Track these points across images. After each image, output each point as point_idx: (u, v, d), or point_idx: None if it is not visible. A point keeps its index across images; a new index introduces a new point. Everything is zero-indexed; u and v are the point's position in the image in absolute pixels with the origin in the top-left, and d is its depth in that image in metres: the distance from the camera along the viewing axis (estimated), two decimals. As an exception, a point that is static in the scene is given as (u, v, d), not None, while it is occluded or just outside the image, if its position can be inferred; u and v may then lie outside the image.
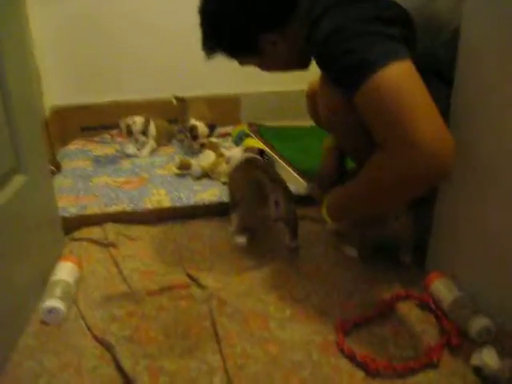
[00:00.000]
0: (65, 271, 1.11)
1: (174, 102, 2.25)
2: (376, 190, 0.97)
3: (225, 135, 2.30)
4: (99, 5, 2.21)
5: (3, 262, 0.94)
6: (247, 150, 1.52)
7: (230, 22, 1.10)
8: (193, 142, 2.01)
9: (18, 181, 1.04)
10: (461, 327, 0.94)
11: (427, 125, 0.83)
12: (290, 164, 1.82)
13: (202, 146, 1.94)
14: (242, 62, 1.22)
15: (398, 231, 1.14)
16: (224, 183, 1.69)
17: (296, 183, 1.66)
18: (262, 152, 1.58)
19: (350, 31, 0.91)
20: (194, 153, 1.98)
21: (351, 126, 1.05)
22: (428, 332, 0.96)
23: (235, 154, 1.51)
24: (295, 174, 1.69)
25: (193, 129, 1.99)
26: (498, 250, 0.94)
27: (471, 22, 0.92)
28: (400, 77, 0.86)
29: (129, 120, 2.04)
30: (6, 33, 1.01)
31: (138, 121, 2.04)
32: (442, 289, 1.02)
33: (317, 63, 1.07)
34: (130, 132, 2.03)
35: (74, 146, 2.21)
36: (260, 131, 2.28)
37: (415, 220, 1.14)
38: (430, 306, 1.02)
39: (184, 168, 1.78)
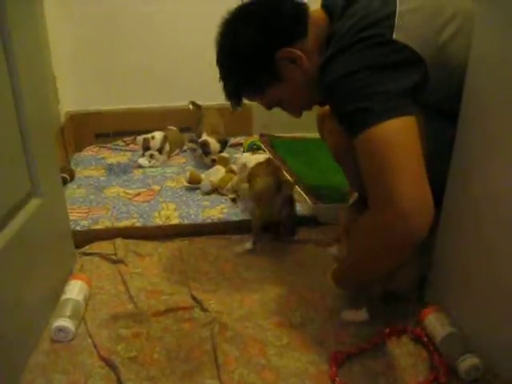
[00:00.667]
0: (75, 290, 1.17)
1: (191, 107, 2.29)
2: (364, 251, 1.03)
3: (236, 145, 2.35)
4: (117, 11, 2.26)
5: (16, 281, 0.99)
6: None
7: (247, 42, 1.10)
8: (204, 157, 2.06)
9: (33, 204, 1.09)
10: (451, 364, 0.97)
11: (407, 186, 0.86)
12: (299, 179, 1.86)
13: (213, 161, 1.99)
14: (266, 99, 1.20)
15: (402, 283, 1.15)
16: (232, 200, 1.74)
17: (302, 202, 1.70)
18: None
19: (357, 81, 0.94)
20: (205, 167, 2.02)
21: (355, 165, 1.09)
22: (418, 367, 1.00)
23: (249, 157, 1.63)
24: (302, 193, 1.72)
25: (205, 144, 2.04)
26: (491, 291, 0.96)
27: (477, 70, 0.95)
28: (394, 134, 0.89)
29: (148, 135, 2.09)
30: (23, 39, 1.04)
31: (157, 137, 2.09)
32: (435, 324, 1.05)
33: (325, 99, 1.10)
34: (147, 147, 2.08)
35: (88, 153, 2.27)
36: (271, 142, 2.33)
37: (418, 264, 1.16)
38: (422, 340, 1.05)
39: (194, 182, 1.83)
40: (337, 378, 0.95)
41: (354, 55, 0.98)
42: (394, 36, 0.96)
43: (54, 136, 1.97)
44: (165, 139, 2.13)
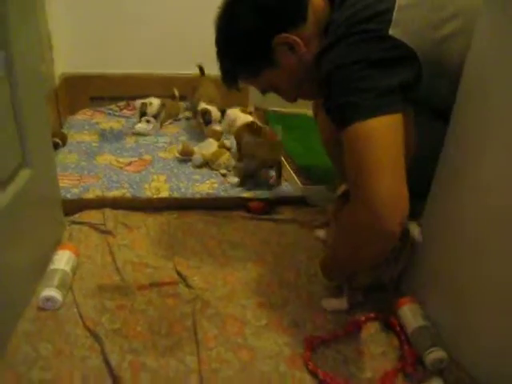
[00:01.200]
0: (63, 260, 1.20)
1: (198, 70, 2.25)
2: (346, 244, 1.06)
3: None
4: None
5: (4, 248, 1.01)
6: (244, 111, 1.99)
7: (245, 23, 1.09)
8: (205, 126, 1.99)
9: (23, 175, 1.10)
10: (419, 355, 1.03)
11: (382, 186, 0.88)
12: (291, 158, 1.88)
13: (214, 132, 1.95)
14: (261, 82, 1.19)
15: (385, 275, 1.19)
16: (223, 175, 1.75)
17: (291, 182, 1.72)
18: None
19: (349, 74, 0.95)
20: (200, 138, 1.99)
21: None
22: (388, 356, 1.05)
23: (238, 114, 1.85)
24: (292, 173, 1.74)
25: (206, 113, 1.97)
26: (460, 286, 1.01)
27: (474, 69, 0.95)
28: (377, 132, 0.90)
29: (146, 100, 2.08)
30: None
31: (154, 103, 2.08)
32: (408, 315, 1.10)
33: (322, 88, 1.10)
34: (143, 112, 2.07)
35: (82, 116, 2.26)
36: (267, 117, 2.32)
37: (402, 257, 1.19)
38: (395, 329, 1.10)
39: (186, 154, 1.83)
40: (310, 362, 1.00)
41: (349, 47, 0.97)
42: (391, 31, 0.95)
43: (48, 98, 1.96)
44: (162, 106, 2.12)
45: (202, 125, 2.03)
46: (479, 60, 0.94)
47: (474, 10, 1.01)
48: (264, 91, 1.23)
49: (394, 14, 0.97)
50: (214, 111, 1.98)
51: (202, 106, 2.02)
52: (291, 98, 1.23)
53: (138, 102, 2.12)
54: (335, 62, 0.98)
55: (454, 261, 1.03)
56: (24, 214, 1.11)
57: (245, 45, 1.11)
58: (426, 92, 1.01)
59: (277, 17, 1.08)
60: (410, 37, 0.96)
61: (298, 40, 1.07)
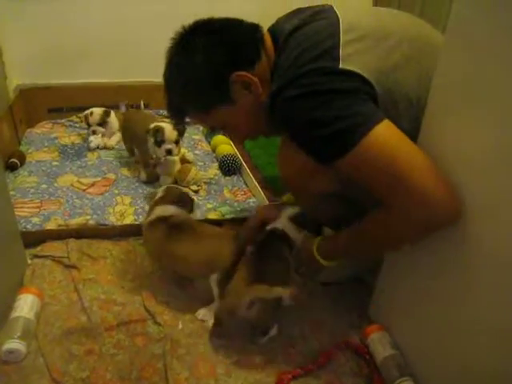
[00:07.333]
0: (26, 306, 1.15)
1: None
2: (380, 244, 1.05)
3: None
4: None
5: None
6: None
7: (202, 57, 1.04)
8: (157, 147, 1.69)
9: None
10: (388, 384, 1.04)
11: (428, 176, 0.86)
12: (256, 169, 1.86)
13: (169, 152, 1.69)
14: (211, 120, 1.16)
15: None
16: (195, 191, 1.72)
17: (258, 197, 1.70)
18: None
19: (320, 105, 0.93)
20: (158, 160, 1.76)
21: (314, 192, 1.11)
22: (359, 386, 1.07)
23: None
24: (257, 186, 1.72)
25: (158, 131, 1.67)
26: (428, 314, 1.02)
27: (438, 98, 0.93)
28: (388, 135, 0.91)
29: (87, 111, 2.05)
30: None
31: (95, 112, 2.05)
32: (377, 344, 1.11)
33: (279, 129, 1.08)
34: (88, 124, 2.05)
35: (41, 130, 2.18)
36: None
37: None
38: (364, 357, 1.12)
39: (151, 181, 1.79)
40: (281, 402, 1.01)
41: (307, 86, 0.95)
42: (341, 66, 0.94)
43: (2, 115, 1.88)
44: (105, 114, 2.07)
45: (153, 146, 1.71)
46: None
47: (417, 36, 1.04)
48: (212, 129, 1.20)
49: (341, 50, 0.95)
50: (168, 129, 1.68)
51: (155, 123, 1.73)
52: (240, 138, 1.21)
53: (83, 114, 2.10)
54: (297, 104, 0.96)
55: (420, 286, 1.04)
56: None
57: (201, 79, 1.06)
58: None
59: (236, 54, 1.05)
60: (359, 69, 0.95)
61: (255, 79, 1.04)
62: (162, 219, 1.29)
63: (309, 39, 0.99)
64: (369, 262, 1.32)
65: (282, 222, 1.23)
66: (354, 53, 0.96)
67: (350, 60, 0.94)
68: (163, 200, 1.34)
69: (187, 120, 1.20)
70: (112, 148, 2.05)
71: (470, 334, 0.90)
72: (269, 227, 1.23)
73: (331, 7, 1.07)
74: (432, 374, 1.02)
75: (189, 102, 1.12)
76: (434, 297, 0.99)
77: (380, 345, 1.11)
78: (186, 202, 1.37)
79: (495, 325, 0.83)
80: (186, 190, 1.65)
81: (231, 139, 1.22)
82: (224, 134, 2.01)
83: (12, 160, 1.82)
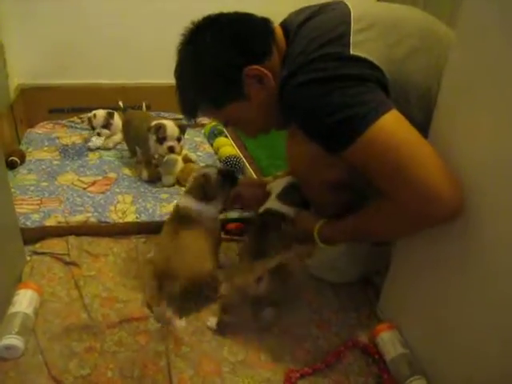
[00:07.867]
0: (24, 301, 1.12)
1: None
2: (382, 232, 1.04)
3: (198, 126, 2.27)
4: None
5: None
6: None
7: (215, 52, 1.04)
8: (159, 145, 1.68)
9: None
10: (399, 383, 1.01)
11: (433, 168, 0.86)
12: (260, 171, 1.84)
13: (171, 149, 1.68)
14: (223, 115, 1.15)
15: None
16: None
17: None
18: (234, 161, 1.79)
19: (328, 91, 0.92)
20: (161, 159, 1.75)
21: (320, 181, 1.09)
22: (368, 385, 1.04)
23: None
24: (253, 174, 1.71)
25: (160, 128, 1.67)
26: (438, 313, 0.99)
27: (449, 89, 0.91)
28: (396, 124, 0.90)
29: (90, 113, 2.04)
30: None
31: (98, 114, 2.03)
32: (386, 342, 1.08)
33: (288, 118, 1.06)
34: (92, 127, 2.03)
35: (41, 130, 2.16)
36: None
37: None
38: (373, 357, 1.08)
39: (153, 179, 1.76)
40: (289, 400, 0.97)
41: (316, 71, 0.94)
42: (352, 52, 0.93)
43: (3, 113, 1.86)
44: (109, 116, 2.05)
45: (155, 143, 1.70)
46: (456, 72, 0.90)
47: (426, 28, 1.03)
48: (226, 124, 1.19)
49: (351, 37, 0.95)
50: (170, 126, 1.67)
51: (157, 120, 1.72)
52: (253, 133, 1.19)
53: (86, 117, 2.09)
54: (304, 91, 0.95)
55: (431, 285, 1.01)
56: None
57: (213, 75, 1.06)
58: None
59: (249, 48, 1.04)
60: (370, 56, 0.94)
61: (267, 73, 1.03)
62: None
63: (319, 28, 0.99)
64: (377, 264, 1.30)
65: (273, 203, 1.25)
66: (364, 40, 0.95)
67: (360, 46, 0.94)
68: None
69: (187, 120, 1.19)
70: (110, 149, 2.02)
71: (481, 333, 0.87)
72: (261, 209, 1.26)
73: (342, 0, 1.07)
74: (442, 374, 0.99)
75: (202, 98, 1.11)
76: (444, 295, 0.97)
77: (390, 343, 1.08)
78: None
79: (507, 324, 0.81)
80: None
81: (244, 133, 1.20)
82: (233, 131, 2.01)
83: (12, 158, 1.79)
